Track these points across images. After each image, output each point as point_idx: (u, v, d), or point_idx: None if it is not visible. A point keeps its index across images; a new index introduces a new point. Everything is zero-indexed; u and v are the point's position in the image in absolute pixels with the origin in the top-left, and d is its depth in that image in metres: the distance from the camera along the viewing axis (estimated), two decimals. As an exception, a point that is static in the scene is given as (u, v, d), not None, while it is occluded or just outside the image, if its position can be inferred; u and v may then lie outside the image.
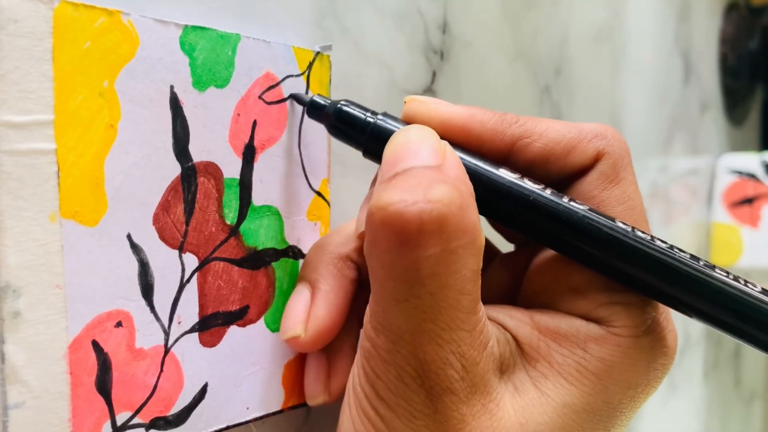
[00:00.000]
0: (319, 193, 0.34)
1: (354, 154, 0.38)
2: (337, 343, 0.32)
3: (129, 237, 0.26)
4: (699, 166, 0.92)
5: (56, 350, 0.24)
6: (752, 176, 0.93)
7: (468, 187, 0.25)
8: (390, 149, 0.27)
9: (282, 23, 0.33)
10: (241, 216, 0.30)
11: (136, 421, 0.27)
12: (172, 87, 0.27)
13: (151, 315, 0.27)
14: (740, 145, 1.07)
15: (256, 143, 0.30)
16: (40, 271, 0.24)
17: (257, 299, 0.31)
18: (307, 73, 0.32)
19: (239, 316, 0.30)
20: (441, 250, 0.24)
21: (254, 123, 0.30)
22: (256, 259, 0.31)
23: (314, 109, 0.31)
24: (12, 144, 0.23)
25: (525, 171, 0.29)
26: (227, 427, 0.30)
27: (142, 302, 0.27)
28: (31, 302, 0.23)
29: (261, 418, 0.32)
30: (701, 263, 0.27)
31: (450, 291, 0.24)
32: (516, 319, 0.29)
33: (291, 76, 0.32)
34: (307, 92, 0.32)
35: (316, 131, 0.33)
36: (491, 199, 0.28)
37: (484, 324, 0.26)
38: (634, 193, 0.30)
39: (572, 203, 0.28)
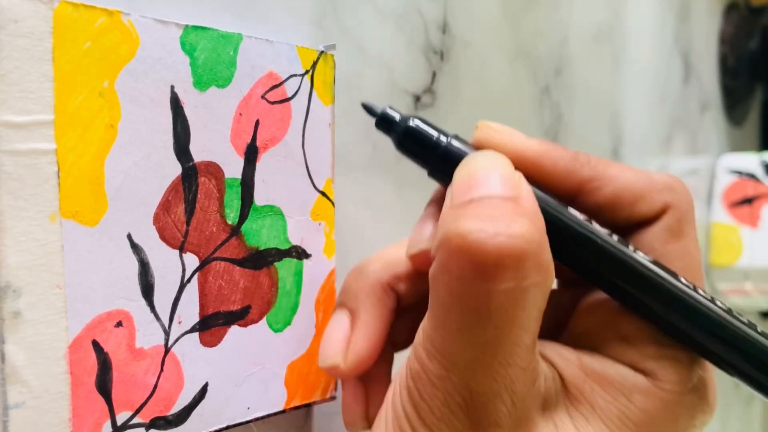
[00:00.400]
0: (323, 193, 0.34)
1: (357, 155, 0.38)
2: (374, 370, 0.32)
3: (129, 237, 0.26)
4: (699, 166, 0.92)
5: (56, 350, 0.24)
6: (752, 176, 0.93)
7: (542, 223, 0.25)
8: (463, 173, 0.27)
9: (282, 23, 0.33)
10: (243, 216, 0.30)
11: (136, 420, 0.27)
12: (172, 87, 0.27)
13: (152, 315, 0.27)
14: (740, 145, 1.07)
15: (258, 143, 0.30)
16: (41, 271, 0.24)
17: (259, 299, 0.31)
18: (311, 73, 0.32)
19: (240, 316, 0.30)
20: (514, 286, 0.23)
21: (257, 123, 0.30)
22: (259, 259, 0.31)
23: (384, 122, 0.30)
24: (12, 144, 0.23)
25: (591, 213, 0.29)
26: (228, 427, 0.30)
27: (143, 302, 0.27)
28: (31, 302, 0.23)
29: (262, 418, 0.32)
30: (758, 329, 0.27)
31: (515, 327, 0.24)
32: (564, 358, 0.28)
33: (294, 75, 0.32)
34: (310, 95, 0.32)
35: (320, 131, 0.33)
36: (557, 237, 0.27)
37: (537, 361, 0.26)
38: (694, 250, 0.30)
39: (638, 253, 0.28)
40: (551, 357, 0.28)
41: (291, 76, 0.31)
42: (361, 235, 0.37)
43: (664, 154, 0.80)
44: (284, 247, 0.32)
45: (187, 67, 0.27)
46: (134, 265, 0.26)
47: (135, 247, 0.26)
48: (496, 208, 0.24)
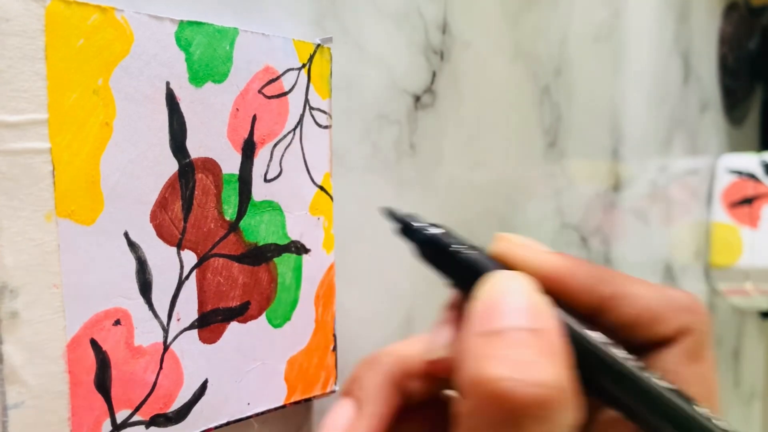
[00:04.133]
0: (321, 188, 0.34)
1: (357, 154, 0.37)
2: None
3: (126, 235, 0.26)
4: (699, 166, 0.92)
5: (55, 349, 0.24)
6: (752, 176, 0.93)
7: (568, 359, 0.25)
8: (486, 296, 0.26)
9: (282, 23, 0.33)
10: (241, 212, 0.30)
11: (136, 418, 0.27)
12: (168, 83, 0.27)
13: (150, 312, 0.27)
14: (740, 145, 1.07)
15: (255, 138, 0.30)
16: (37, 270, 0.24)
17: (258, 295, 0.31)
18: (307, 66, 0.32)
19: (240, 312, 0.30)
20: (544, 430, 0.24)
21: (254, 117, 0.30)
22: (257, 255, 0.31)
23: (406, 231, 0.30)
24: (6, 144, 0.23)
25: (610, 331, 0.29)
26: (228, 423, 0.30)
27: (141, 300, 0.27)
28: (28, 302, 0.23)
29: (262, 413, 0.32)
30: None
31: None
32: None
33: (291, 69, 0.32)
34: (307, 89, 0.32)
35: (317, 125, 0.33)
36: (580, 361, 0.27)
37: None
38: (711, 374, 0.30)
39: (658, 381, 0.27)
40: None
41: (288, 70, 0.31)
42: (360, 231, 0.37)
43: (664, 154, 0.80)
44: (283, 242, 0.32)
45: (183, 63, 0.27)
46: (132, 263, 0.26)
47: (132, 245, 0.26)
48: (523, 346, 0.24)
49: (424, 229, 0.30)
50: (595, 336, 0.28)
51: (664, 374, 0.29)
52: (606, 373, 0.28)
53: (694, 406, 0.27)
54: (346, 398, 0.32)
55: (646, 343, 0.29)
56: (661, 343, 0.29)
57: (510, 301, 0.26)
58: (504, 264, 0.29)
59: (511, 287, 0.27)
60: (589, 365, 0.28)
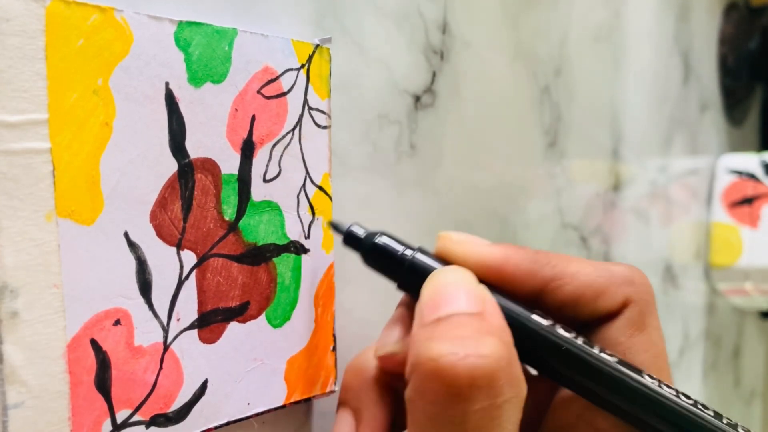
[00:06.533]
0: (320, 188, 0.34)
1: (357, 154, 0.37)
2: None
3: (126, 235, 0.26)
4: (698, 166, 0.92)
5: (55, 349, 0.24)
6: (752, 176, 0.93)
7: (510, 337, 0.26)
8: (429, 291, 0.28)
9: (281, 24, 0.33)
10: (240, 212, 0.30)
11: (136, 418, 0.27)
12: (167, 83, 0.27)
13: (150, 312, 0.27)
14: (740, 145, 1.07)
15: (254, 138, 0.30)
16: (37, 270, 0.24)
17: (258, 295, 0.31)
18: (306, 66, 0.32)
19: (239, 312, 0.30)
20: (489, 405, 0.24)
21: (253, 118, 0.30)
22: (257, 255, 0.31)
23: (351, 239, 0.31)
24: (6, 144, 0.23)
25: (555, 312, 0.30)
26: (228, 423, 0.30)
27: (140, 300, 0.27)
28: (28, 302, 0.23)
29: (262, 413, 0.32)
30: (724, 420, 0.28)
31: None
32: None
33: (290, 69, 0.32)
34: (306, 89, 0.32)
35: (316, 125, 0.33)
36: (524, 343, 0.28)
37: None
38: (658, 339, 0.31)
39: (603, 354, 0.28)
40: None
41: (287, 70, 0.31)
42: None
43: (664, 154, 0.80)
44: (282, 242, 0.32)
45: (182, 63, 0.27)
46: (131, 264, 0.26)
47: (132, 245, 0.26)
48: (463, 326, 0.25)
49: (368, 237, 0.31)
50: (536, 317, 0.29)
51: (612, 347, 0.30)
52: (549, 352, 0.29)
53: (642, 375, 0.28)
54: (343, 410, 0.33)
55: (591, 319, 0.30)
56: (606, 317, 0.30)
57: (451, 292, 0.27)
58: (446, 261, 0.30)
59: (450, 280, 0.28)
60: (532, 346, 0.29)
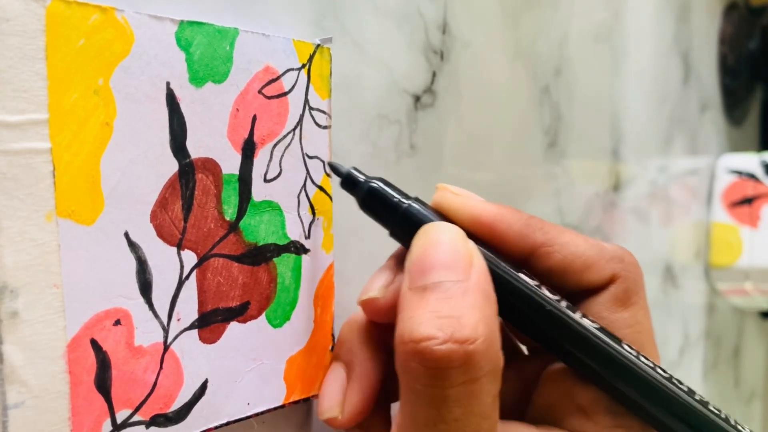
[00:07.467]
0: (321, 188, 0.34)
1: (357, 155, 0.37)
2: (372, 418, 0.33)
3: (126, 235, 0.26)
4: (698, 166, 0.92)
5: (55, 349, 0.24)
6: (752, 176, 0.93)
7: (494, 307, 0.27)
8: (419, 247, 0.28)
9: (281, 24, 0.33)
10: (241, 212, 0.30)
11: (136, 418, 0.27)
12: (168, 83, 0.27)
13: (150, 312, 0.27)
14: (740, 145, 1.07)
15: (255, 138, 0.30)
16: (37, 270, 0.24)
17: (258, 295, 0.31)
18: (307, 66, 0.32)
19: (240, 312, 0.30)
20: (467, 380, 0.25)
21: (254, 118, 0.30)
22: (257, 255, 0.31)
23: (349, 182, 0.32)
24: (6, 144, 0.23)
25: (542, 277, 0.31)
26: (228, 423, 0.30)
27: (141, 300, 0.27)
28: (28, 302, 0.23)
29: (262, 413, 0.32)
30: (696, 397, 0.29)
31: (474, 417, 0.25)
32: None
33: (291, 69, 0.32)
34: (307, 89, 0.32)
35: (317, 125, 0.33)
36: (509, 301, 0.29)
37: None
38: (643, 317, 0.31)
39: (584, 319, 0.29)
40: None
41: (288, 70, 0.31)
42: (360, 232, 0.37)
43: (664, 154, 0.80)
44: (282, 242, 0.32)
45: (183, 63, 0.27)
46: (132, 264, 0.26)
47: (132, 245, 0.26)
48: (447, 300, 0.26)
49: (366, 181, 0.31)
50: (525, 278, 0.29)
51: (597, 319, 0.30)
52: (534, 311, 0.29)
53: (621, 344, 0.29)
54: (336, 363, 0.33)
55: (577, 290, 0.31)
56: (592, 290, 0.31)
57: (439, 254, 0.27)
58: (440, 213, 0.31)
59: (440, 239, 0.28)
60: (516, 303, 0.29)
